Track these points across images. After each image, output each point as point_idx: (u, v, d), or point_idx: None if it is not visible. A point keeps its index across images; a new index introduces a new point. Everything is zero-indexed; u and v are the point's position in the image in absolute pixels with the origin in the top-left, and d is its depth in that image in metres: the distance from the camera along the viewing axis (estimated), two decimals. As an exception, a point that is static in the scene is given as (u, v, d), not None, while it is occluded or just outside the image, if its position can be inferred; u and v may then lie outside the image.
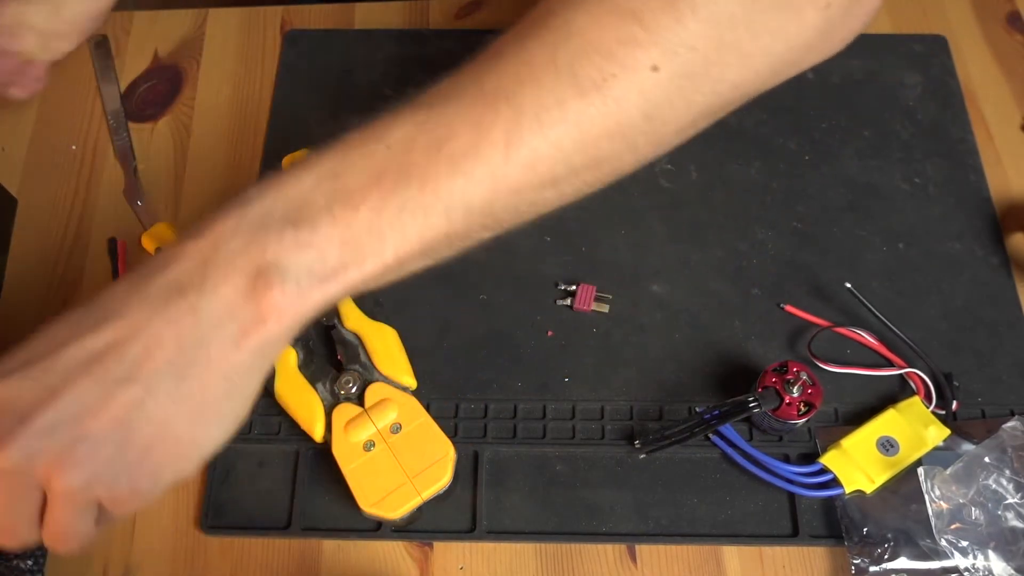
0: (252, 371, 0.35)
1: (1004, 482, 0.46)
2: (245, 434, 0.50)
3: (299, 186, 0.34)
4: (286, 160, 0.57)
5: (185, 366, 0.33)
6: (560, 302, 0.54)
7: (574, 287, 0.54)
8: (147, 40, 0.65)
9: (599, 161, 0.36)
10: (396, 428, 0.47)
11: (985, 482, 0.46)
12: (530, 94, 0.34)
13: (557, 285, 0.54)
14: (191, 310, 0.33)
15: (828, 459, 0.47)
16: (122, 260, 0.55)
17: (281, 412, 0.50)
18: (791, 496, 0.48)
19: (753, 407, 0.47)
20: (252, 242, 0.33)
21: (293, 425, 0.49)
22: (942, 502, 0.46)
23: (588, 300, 0.53)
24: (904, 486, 0.47)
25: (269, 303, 0.33)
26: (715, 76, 0.35)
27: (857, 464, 0.47)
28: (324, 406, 0.48)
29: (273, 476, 0.49)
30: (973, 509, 0.45)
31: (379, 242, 0.34)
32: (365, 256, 0.34)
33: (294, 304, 0.33)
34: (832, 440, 0.48)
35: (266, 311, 0.33)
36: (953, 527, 0.45)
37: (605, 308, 0.53)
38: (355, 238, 0.33)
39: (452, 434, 0.49)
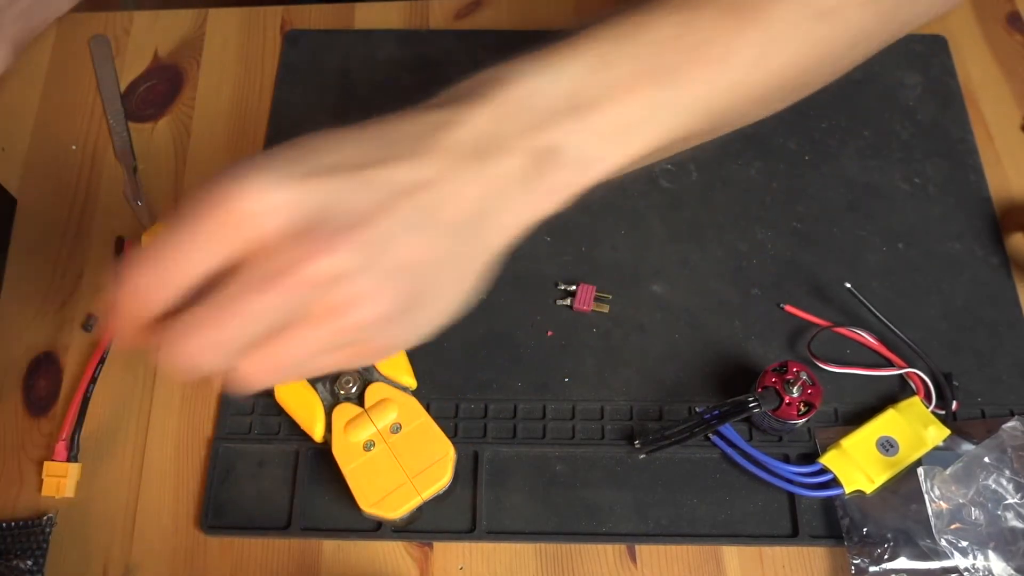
0: (508, 248, 0.35)
1: (1004, 482, 0.46)
2: (245, 434, 0.50)
3: (571, 70, 0.34)
4: (286, 160, 0.57)
5: (472, 229, 0.33)
6: (560, 302, 0.54)
7: (574, 287, 0.54)
8: (147, 40, 0.65)
9: (806, 84, 0.40)
10: (396, 428, 0.47)
11: (985, 482, 0.46)
12: (776, 13, 0.36)
13: (557, 285, 0.54)
14: (484, 177, 0.33)
15: (828, 459, 0.47)
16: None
17: (281, 412, 0.50)
18: (791, 496, 0.48)
19: (753, 407, 0.47)
20: (535, 123, 0.33)
21: (293, 425, 0.49)
22: (942, 502, 0.46)
23: (588, 300, 0.53)
24: (904, 486, 0.47)
25: (549, 184, 0.34)
26: (902, 12, 0.41)
27: (857, 464, 0.47)
28: (324, 406, 0.48)
29: (273, 476, 0.49)
30: (973, 509, 0.46)
31: (639, 135, 0.35)
32: (627, 146, 0.35)
33: (567, 187, 0.34)
34: (832, 440, 0.48)
35: (544, 191, 0.34)
36: (953, 527, 0.45)
37: (605, 308, 0.53)
38: (623, 129, 0.35)
39: (452, 434, 0.49)
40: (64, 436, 0.50)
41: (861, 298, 0.50)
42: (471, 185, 0.32)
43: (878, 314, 0.50)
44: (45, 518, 0.48)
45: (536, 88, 0.34)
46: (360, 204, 0.30)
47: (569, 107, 0.34)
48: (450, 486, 0.46)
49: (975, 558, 0.45)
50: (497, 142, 0.33)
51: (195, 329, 0.30)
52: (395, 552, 0.48)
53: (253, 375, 0.32)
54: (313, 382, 0.49)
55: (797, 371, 0.48)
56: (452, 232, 0.32)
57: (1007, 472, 0.46)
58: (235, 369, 0.31)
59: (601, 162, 0.35)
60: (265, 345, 0.31)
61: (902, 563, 0.45)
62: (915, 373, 0.50)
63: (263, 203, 0.29)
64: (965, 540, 0.45)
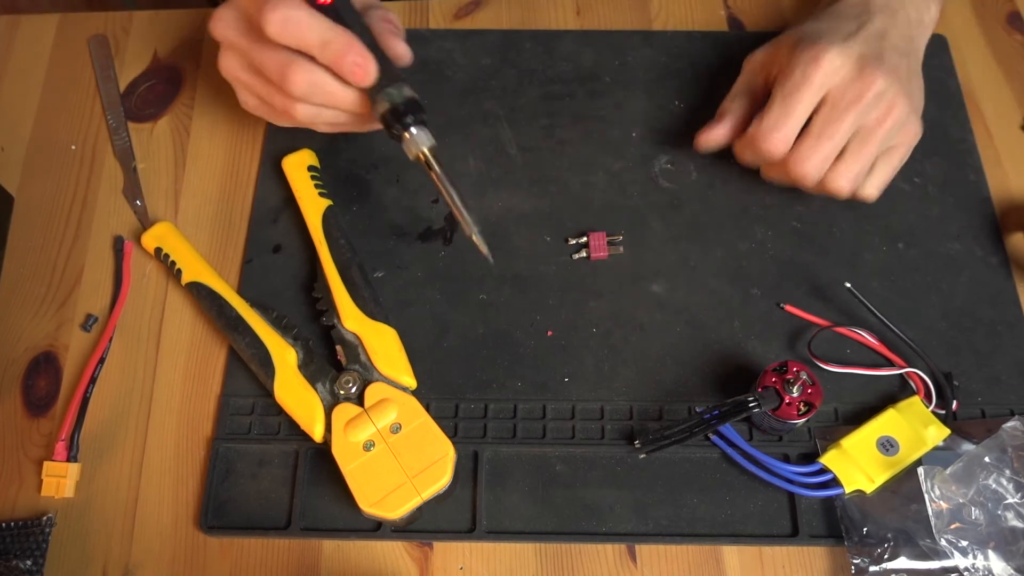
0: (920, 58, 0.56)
1: (1004, 482, 0.46)
2: (245, 434, 0.50)
3: None
4: (286, 160, 0.57)
5: (913, 52, 0.54)
6: (576, 256, 0.55)
7: (584, 238, 0.55)
8: (147, 40, 0.65)
9: None
10: (396, 428, 0.47)
11: (985, 482, 0.46)
12: None
13: (567, 241, 0.55)
14: (903, 20, 0.54)
15: (828, 459, 0.47)
16: (127, 261, 0.55)
17: (281, 412, 0.50)
18: (791, 496, 0.48)
19: (753, 407, 0.47)
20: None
21: (293, 425, 0.49)
22: (942, 502, 0.46)
23: (602, 246, 0.55)
24: (904, 486, 0.47)
25: (927, 19, 0.56)
26: None
27: (857, 464, 0.47)
28: (324, 406, 0.48)
29: (273, 476, 0.49)
30: (973, 509, 0.45)
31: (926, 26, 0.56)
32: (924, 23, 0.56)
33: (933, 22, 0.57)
34: (832, 440, 0.48)
35: (926, 24, 0.56)
36: (953, 527, 0.45)
37: (620, 250, 0.55)
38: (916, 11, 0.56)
39: (452, 434, 0.49)
40: (64, 436, 0.50)
41: (861, 298, 0.50)
42: (901, 27, 0.53)
43: (878, 314, 0.50)
44: (45, 518, 0.48)
45: None
46: (871, 50, 0.50)
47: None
48: (450, 486, 0.46)
49: (975, 558, 0.45)
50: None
51: (817, 143, 0.49)
52: (395, 552, 0.48)
53: (841, 180, 0.51)
54: (313, 381, 0.49)
55: (797, 371, 0.48)
56: (905, 52, 0.52)
57: (1007, 472, 0.46)
58: (826, 176, 0.51)
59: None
60: (845, 155, 0.50)
61: (902, 563, 0.45)
62: (915, 373, 0.50)
63: (836, 62, 0.49)
64: (965, 540, 0.45)
